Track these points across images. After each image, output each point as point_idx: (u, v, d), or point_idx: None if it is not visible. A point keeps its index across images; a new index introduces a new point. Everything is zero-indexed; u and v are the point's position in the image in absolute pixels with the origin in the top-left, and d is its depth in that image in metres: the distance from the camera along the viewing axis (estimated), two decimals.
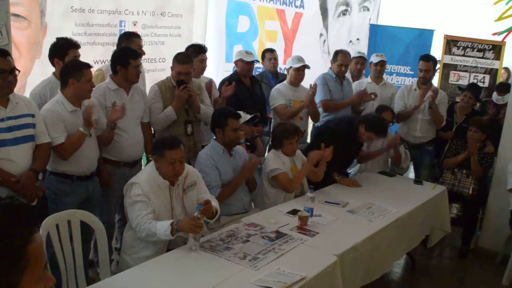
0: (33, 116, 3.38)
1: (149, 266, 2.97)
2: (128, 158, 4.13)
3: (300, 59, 5.39)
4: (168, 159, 3.27)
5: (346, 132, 4.76)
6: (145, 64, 5.05)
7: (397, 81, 7.87)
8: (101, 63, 4.59)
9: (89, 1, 4.80)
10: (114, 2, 5.01)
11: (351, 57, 6.23)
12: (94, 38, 4.86)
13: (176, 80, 4.37)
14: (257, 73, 6.21)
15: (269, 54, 6.12)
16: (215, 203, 3.41)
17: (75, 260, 3.21)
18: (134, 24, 5.21)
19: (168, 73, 4.60)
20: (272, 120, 5.54)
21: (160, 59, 5.44)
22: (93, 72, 3.90)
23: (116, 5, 5.03)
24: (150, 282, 2.78)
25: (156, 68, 5.27)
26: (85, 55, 4.20)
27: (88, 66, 3.62)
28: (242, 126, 4.24)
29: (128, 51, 4.12)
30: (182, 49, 5.00)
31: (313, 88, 5.19)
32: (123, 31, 4.86)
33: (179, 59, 4.40)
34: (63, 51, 3.92)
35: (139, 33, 4.91)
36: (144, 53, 4.62)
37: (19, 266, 0.96)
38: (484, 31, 8.40)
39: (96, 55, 4.79)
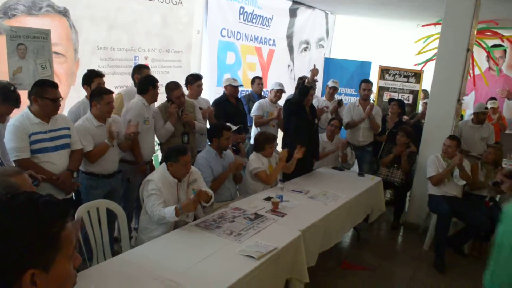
0: (68, 128, 3.33)
1: (158, 241, 2.95)
2: (144, 158, 4.15)
3: (280, 84, 5.57)
4: (182, 162, 3.31)
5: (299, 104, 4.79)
6: None
7: (345, 100, 7.89)
8: (120, 88, 4.55)
9: (111, 41, 4.76)
10: (130, 42, 4.96)
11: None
12: (114, 69, 4.80)
13: (170, 103, 4.34)
14: (243, 94, 6.21)
15: (257, 80, 6.14)
16: (210, 192, 3.43)
17: (102, 238, 3.17)
18: (146, 58, 5.16)
19: None
20: (253, 128, 5.54)
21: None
22: (114, 95, 3.89)
23: (131, 44, 4.99)
24: (159, 253, 2.75)
25: (163, 92, 5.21)
26: (108, 82, 4.14)
27: (108, 92, 3.58)
28: (231, 135, 4.23)
29: (154, 77, 4.22)
30: (183, 77, 4.98)
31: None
32: (136, 64, 4.81)
33: (173, 88, 4.34)
34: (90, 80, 3.91)
35: (149, 65, 4.86)
36: None
37: (55, 247, 0.96)
38: (408, 62, 8.53)
39: (116, 82, 4.73)
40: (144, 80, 4.16)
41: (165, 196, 3.25)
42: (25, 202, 0.96)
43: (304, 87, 4.75)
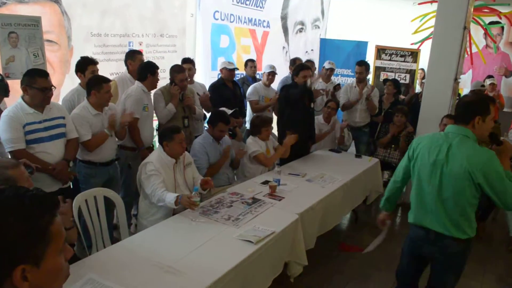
0: (63, 118, 3.32)
1: (156, 228, 2.97)
2: (144, 144, 4.15)
3: (272, 67, 5.49)
4: (177, 140, 3.34)
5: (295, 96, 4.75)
6: None
7: (342, 81, 7.86)
8: (116, 74, 4.52)
9: (104, 27, 4.71)
10: (123, 28, 4.92)
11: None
12: (109, 56, 4.77)
13: (173, 84, 4.36)
14: (238, 77, 6.18)
15: (250, 63, 6.11)
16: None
17: (101, 225, 3.19)
18: (140, 44, 5.12)
19: (167, 80, 4.57)
20: (248, 112, 5.52)
21: (161, 70, 5.33)
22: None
23: (125, 30, 4.94)
24: (157, 240, 2.78)
25: (162, 78, 5.22)
26: (102, 69, 4.14)
27: (107, 81, 3.56)
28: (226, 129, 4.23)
29: (154, 64, 4.18)
30: (178, 62, 4.94)
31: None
32: (131, 49, 4.78)
33: (177, 70, 4.39)
34: (84, 67, 3.88)
35: (144, 50, 4.84)
36: None
37: (44, 241, 0.96)
38: (405, 41, 8.48)
39: (111, 68, 4.70)
40: (143, 67, 4.14)
41: (163, 176, 3.28)
42: (11, 198, 0.95)
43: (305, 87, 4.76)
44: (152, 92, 4.33)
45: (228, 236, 2.84)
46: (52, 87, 3.16)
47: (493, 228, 5.16)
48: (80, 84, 3.95)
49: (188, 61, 4.93)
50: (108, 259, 2.54)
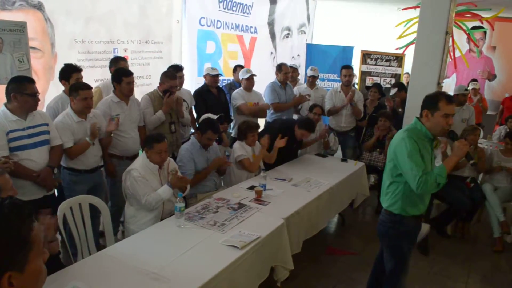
0: (47, 125, 3.31)
1: (143, 233, 2.97)
2: (128, 153, 4.09)
3: (248, 71, 5.46)
4: (156, 150, 3.36)
5: (286, 132, 4.75)
6: (135, 81, 4.96)
7: (328, 86, 7.92)
8: (100, 81, 4.51)
9: (89, 34, 4.71)
10: (108, 34, 4.91)
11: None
12: (94, 63, 4.76)
13: (162, 90, 4.35)
14: (224, 83, 6.19)
15: (239, 68, 6.09)
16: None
17: (86, 233, 3.17)
18: (125, 50, 5.12)
19: (153, 87, 4.57)
20: (233, 119, 5.51)
21: (147, 76, 5.39)
22: (94, 89, 3.86)
23: (110, 36, 4.94)
24: (143, 246, 2.77)
25: (144, 84, 5.21)
26: (87, 76, 4.13)
27: (84, 87, 3.53)
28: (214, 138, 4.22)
29: (120, 70, 4.05)
30: (164, 68, 4.94)
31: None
32: (116, 56, 4.77)
33: (170, 76, 4.39)
34: (68, 75, 3.85)
35: (129, 57, 4.83)
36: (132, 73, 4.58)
37: (26, 247, 1.00)
38: (390, 46, 8.57)
39: (96, 75, 4.69)
40: (112, 75, 4.07)
41: (149, 183, 3.31)
42: None
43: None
44: (139, 97, 4.33)
45: (214, 241, 2.85)
46: (38, 93, 3.16)
47: (478, 229, 5.22)
48: (64, 91, 3.92)
49: (180, 69, 4.93)
50: (93, 267, 2.53)
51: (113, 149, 4.01)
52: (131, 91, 4.04)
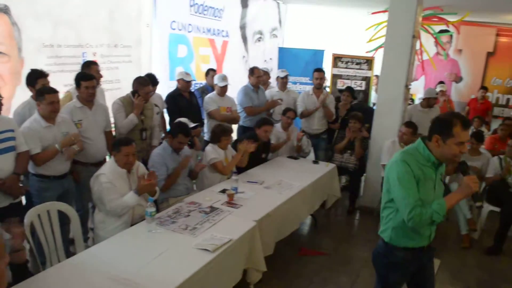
0: (12, 130, 3.24)
1: (114, 239, 2.95)
2: (93, 159, 4.02)
3: (224, 78, 5.44)
4: (123, 153, 3.34)
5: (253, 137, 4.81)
6: (104, 85, 4.93)
7: (300, 89, 8.01)
8: (70, 86, 4.44)
9: (57, 38, 4.63)
10: (77, 38, 4.85)
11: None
12: (62, 67, 4.68)
13: (136, 95, 4.32)
14: (197, 87, 6.19)
15: (211, 72, 6.13)
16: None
17: (55, 240, 3.12)
18: (94, 54, 5.05)
19: (123, 91, 4.55)
20: (206, 122, 5.52)
21: (116, 81, 5.34)
22: (63, 94, 3.81)
23: (78, 41, 4.87)
24: (114, 252, 2.75)
25: (113, 88, 5.17)
26: (56, 81, 4.08)
27: (50, 91, 3.47)
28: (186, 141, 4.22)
29: (80, 74, 3.99)
30: (133, 73, 4.94)
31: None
32: (85, 60, 4.72)
33: (143, 83, 4.37)
34: (33, 81, 3.79)
35: (98, 61, 4.79)
36: (102, 76, 4.54)
37: None
38: (360, 50, 8.75)
39: (65, 80, 4.60)
40: (74, 79, 3.98)
41: (118, 189, 3.29)
42: None
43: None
44: (109, 102, 4.29)
45: (185, 245, 2.85)
46: (1, 97, 3.11)
47: (447, 228, 5.37)
48: (32, 96, 3.86)
49: (156, 83, 4.96)
50: (62, 275, 2.49)
51: (76, 156, 3.90)
52: (90, 96, 3.94)
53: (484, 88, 8.59)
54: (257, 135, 4.91)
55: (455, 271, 4.37)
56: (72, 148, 3.62)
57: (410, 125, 5.09)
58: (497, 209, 4.89)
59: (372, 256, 2.70)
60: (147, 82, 4.41)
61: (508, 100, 9.37)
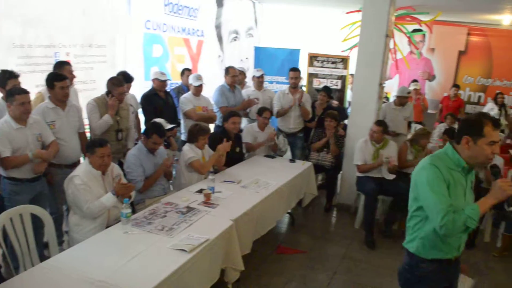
0: None
1: (89, 242, 2.92)
2: (67, 161, 3.96)
3: (198, 78, 5.43)
4: (98, 154, 3.32)
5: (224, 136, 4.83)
6: (78, 85, 4.86)
7: (277, 88, 8.03)
8: (41, 86, 4.36)
9: (28, 38, 4.54)
10: (49, 38, 4.76)
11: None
12: (34, 67, 4.58)
13: (110, 96, 4.28)
14: (172, 87, 6.16)
15: (187, 72, 6.11)
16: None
17: (28, 245, 3.06)
18: (67, 54, 4.97)
19: (98, 91, 4.50)
20: (182, 122, 5.50)
21: (91, 81, 5.26)
22: (35, 94, 3.74)
23: (50, 40, 4.78)
24: (89, 255, 2.73)
25: (88, 88, 5.08)
26: (28, 82, 4.01)
27: (21, 92, 3.40)
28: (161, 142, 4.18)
29: (52, 75, 3.91)
30: (108, 73, 4.88)
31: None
32: (57, 60, 4.64)
33: (117, 84, 4.31)
34: (3, 82, 3.72)
35: (71, 61, 4.71)
36: (75, 77, 4.47)
37: None
38: (336, 49, 8.84)
39: (37, 80, 4.49)
40: (45, 80, 3.89)
41: (92, 190, 3.26)
42: None
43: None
44: (84, 103, 4.23)
45: (162, 246, 2.84)
46: None
47: None
48: (2, 98, 3.78)
49: (130, 80, 4.89)
50: (35, 279, 2.46)
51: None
52: (65, 96, 3.89)
53: (456, 86, 8.79)
54: (226, 129, 4.93)
55: None
56: (42, 163, 3.57)
57: (380, 123, 5.17)
58: None
59: (398, 270, 2.53)
60: (120, 83, 4.36)
61: (479, 97, 9.59)
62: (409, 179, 5.07)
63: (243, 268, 3.39)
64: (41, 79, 4.53)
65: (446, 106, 8.56)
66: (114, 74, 4.83)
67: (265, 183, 4.29)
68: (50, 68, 4.36)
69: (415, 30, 9.37)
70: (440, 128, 7.37)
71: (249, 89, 6.43)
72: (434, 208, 2.14)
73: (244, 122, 6.29)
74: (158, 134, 4.02)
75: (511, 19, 9.24)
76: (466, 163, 2.22)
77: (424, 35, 9.70)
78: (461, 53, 9.64)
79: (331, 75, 8.06)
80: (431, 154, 2.33)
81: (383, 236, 5.02)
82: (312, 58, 8.10)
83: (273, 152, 5.54)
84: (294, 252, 4.51)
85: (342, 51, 8.89)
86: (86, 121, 4.29)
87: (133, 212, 3.38)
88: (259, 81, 6.24)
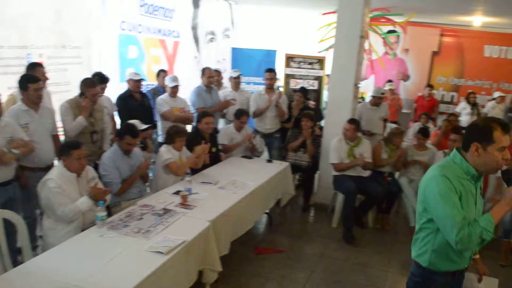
0: None
1: (63, 246, 2.87)
2: (41, 164, 3.89)
3: (174, 79, 5.42)
4: (75, 156, 3.28)
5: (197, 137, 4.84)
6: (52, 87, 4.79)
7: (254, 89, 8.06)
8: (14, 88, 4.27)
9: None
10: (21, 39, 4.66)
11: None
12: (5, 69, 4.48)
13: (83, 97, 4.22)
14: (148, 88, 6.11)
15: (162, 73, 6.10)
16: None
17: (1, 250, 3.00)
18: (40, 56, 4.87)
19: (72, 93, 4.43)
20: (159, 124, 5.47)
21: (65, 83, 5.18)
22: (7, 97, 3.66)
23: (23, 41, 4.68)
24: (64, 259, 2.68)
25: (62, 90, 5.00)
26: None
27: None
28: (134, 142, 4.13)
29: (26, 77, 3.86)
30: (83, 74, 4.81)
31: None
32: (30, 61, 4.55)
33: (89, 85, 4.26)
34: None
35: (45, 63, 4.63)
36: (48, 79, 4.40)
37: None
38: (313, 50, 8.91)
39: (8, 82, 4.40)
40: (18, 82, 3.83)
41: (67, 193, 3.22)
42: None
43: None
44: (58, 105, 4.17)
45: (138, 249, 2.82)
46: None
47: (397, 220, 5.59)
48: None
49: (105, 81, 4.85)
50: (7, 285, 2.41)
51: (24, 161, 3.79)
52: (39, 98, 3.84)
53: (430, 86, 8.96)
54: (199, 130, 4.95)
55: (406, 262, 4.54)
56: (10, 153, 3.43)
57: (352, 121, 5.25)
58: None
59: (407, 286, 2.43)
60: (93, 84, 4.31)
61: (452, 97, 9.81)
62: (384, 178, 5.29)
63: (220, 269, 3.39)
64: (13, 81, 4.45)
65: (421, 105, 8.72)
66: (89, 76, 4.78)
67: (242, 183, 4.30)
68: (22, 70, 4.27)
69: (389, 31, 9.52)
70: (414, 127, 7.50)
71: (226, 90, 6.45)
72: (448, 222, 2.04)
73: (221, 123, 6.30)
74: (130, 134, 3.99)
75: (482, 21, 9.50)
76: (476, 170, 2.13)
77: (398, 36, 9.85)
78: (434, 54, 9.83)
79: (308, 75, 8.13)
80: (438, 164, 2.22)
81: (356, 223, 5.18)
82: (289, 59, 8.16)
83: (251, 152, 5.56)
84: (273, 252, 4.53)
85: (318, 52, 8.96)
86: (59, 124, 4.23)
87: (109, 215, 3.35)
88: (236, 82, 6.26)
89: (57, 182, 3.19)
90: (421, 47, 9.85)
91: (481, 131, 2.09)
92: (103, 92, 4.88)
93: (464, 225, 2.00)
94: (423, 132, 5.53)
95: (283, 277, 4.07)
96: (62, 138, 4.29)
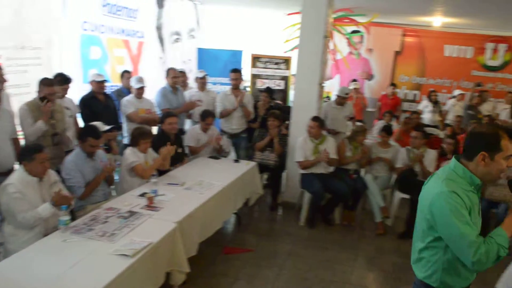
0: None
1: (25, 252, 2.79)
2: (1, 169, 3.75)
3: (139, 80, 5.37)
4: (39, 160, 3.23)
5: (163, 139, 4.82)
6: (11, 89, 4.63)
7: (220, 89, 8.05)
8: None
9: None
10: None
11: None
12: None
13: (45, 101, 4.11)
14: (113, 89, 6.02)
15: (126, 74, 6.04)
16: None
17: None
18: None
19: (32, 95, 4.32)
20: (124, 125, 5.40)
21: (25, 85, 5.02)
22: None
23: None
24: (28, 264, 2.63)
25: (21, 92, 4.84)
26: None
27: None
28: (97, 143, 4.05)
29: None
30: (43, 75, 4.67)
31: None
32: None
33: (47, 83, 4.18)
34: None
35: (3, 64, 4.48)
36: (6, 81, 4.26)
37: None
38: (279, 50, 8.98)
39: None
40: None
41: (28, 199, 3.15)
42: None
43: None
44: (17, 107, 4.05)
45: (103, 252, 2.79)
46: None
47: (363, 217, 5.71)
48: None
49: (68, 81, 4.75)
50: None
51: None
52: None
53: (393, 84, 9.18)
54: (163, 131, 4.93)
55: (372, 257, 4.67)
56: None
57: (316, 119, 5.34)
58: (407, 196, 5.24)
59: None
60: (50, 82, 4.22)
61: (415, 95, 10.10)
62: (349, 175, 5.39)
63: (188, 270, 3.38)
64: None
65: (384, 104, 8.93)
66: (51, 77, 4.66)
67: (209, 184, 4.29)
68: None
69: (353, 32, 9.70)
70: (379, 125, 7.67)
71: (192, 90, 6.43)
72: (463, 241, 1.92)
73: (188, 124, 6.28)
74: (92, 136, 3.92)
75: (442, 21, 9.81)
76: (480, 180, 2.04)
77: (362, 36, 10.06)
78: (397, 53, 10.10)
79: (274, 75, 8.21)
80: (441, 177, 2.09)
81: (323, 220, 5.33)
82: (255, 59, 8.21)
83: (218, 153, 5.56)
84: (241, 252, 4.55)
85: (284, 52, 9.04)
86: (18, 127, 4.12)
87: (73, 219, 3.29)
88: (202, 82, 6.26)
89: (17, 187, 3.11)
90: (384, 47, 10.09)
91: (489, 140, 2.00)
92: (66, 93, 4.78)
93: (480, 244, 1.90)
94: (387, 130, 5.68)
95: (252, 276, 4.10)
96: (22, 141, 4.17)
